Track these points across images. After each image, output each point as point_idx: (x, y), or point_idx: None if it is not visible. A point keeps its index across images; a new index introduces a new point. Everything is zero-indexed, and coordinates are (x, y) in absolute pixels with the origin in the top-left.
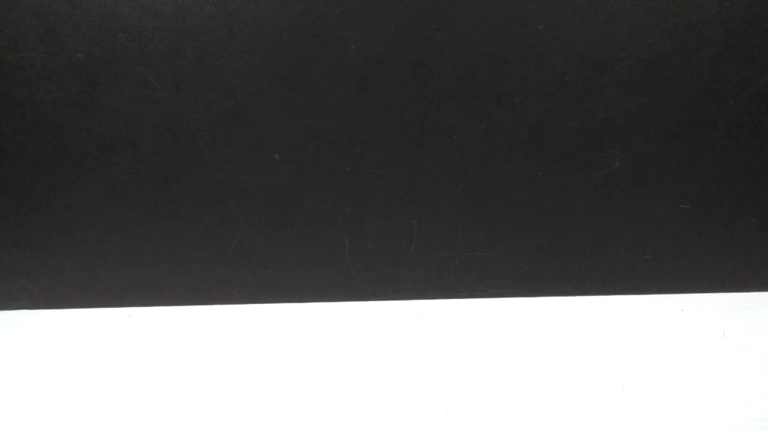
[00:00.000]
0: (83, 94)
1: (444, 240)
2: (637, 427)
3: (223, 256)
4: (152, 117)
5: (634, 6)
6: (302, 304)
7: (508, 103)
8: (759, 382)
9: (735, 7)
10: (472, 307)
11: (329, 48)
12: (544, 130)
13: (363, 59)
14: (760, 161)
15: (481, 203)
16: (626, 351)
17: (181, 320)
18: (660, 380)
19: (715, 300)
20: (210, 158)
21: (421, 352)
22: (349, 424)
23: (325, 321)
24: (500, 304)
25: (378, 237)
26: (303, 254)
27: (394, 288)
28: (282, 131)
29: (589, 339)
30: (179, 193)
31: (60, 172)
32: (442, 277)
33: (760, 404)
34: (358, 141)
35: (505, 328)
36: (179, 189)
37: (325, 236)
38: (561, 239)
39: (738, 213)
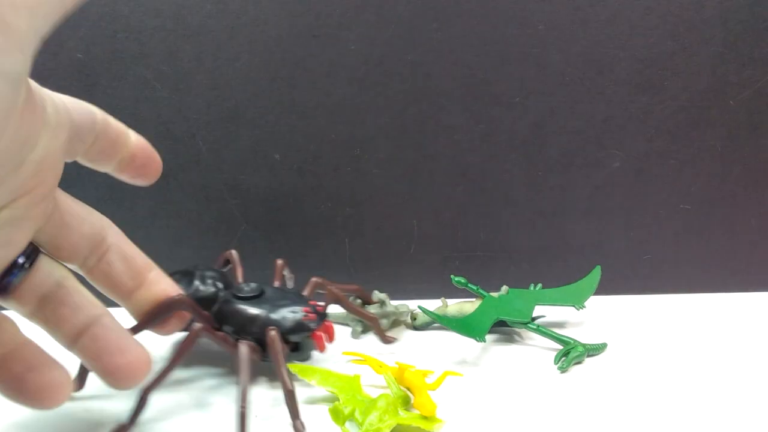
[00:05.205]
0: (83, 94)
1: (444, 240)
2: (638, 427)
3: None
4: (152, 117)
5: (634, 6)
6: None
7: (508, 103)
8: (759, 382)
9: (735, 7)
10: None
11: (329, 48)
12: (544, 130)
13: (363, 59)
14: (760, 161)
15: (481, 203)
16: (625, 351)
17: None
18: (660, 380)
19: (715, 300)
20: (210, 158)
21: (421, 352)
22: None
23: None
24: None
25: (378, 237)
26: (303, 254)
27: (394, 288)
28: (282, 131)
29: (588, 339)
30: (179, 193)
31: None
32: (442, 277)
33: (760, 404)
34: (358, 141)
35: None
36: (179, 189)
37: (325, 236)
38: (561, 239)
39: (738, 213)
